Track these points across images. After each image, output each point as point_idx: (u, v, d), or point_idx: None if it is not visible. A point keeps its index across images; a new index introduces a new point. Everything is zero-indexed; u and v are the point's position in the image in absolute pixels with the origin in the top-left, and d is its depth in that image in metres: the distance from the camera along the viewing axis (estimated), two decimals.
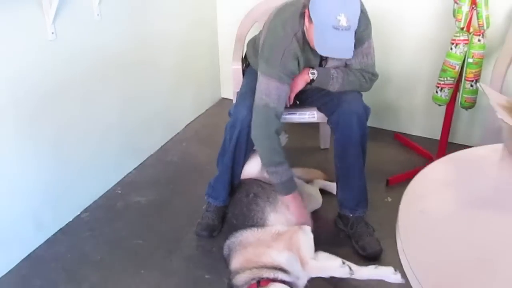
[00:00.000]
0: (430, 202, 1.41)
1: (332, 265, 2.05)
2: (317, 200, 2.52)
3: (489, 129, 2.51)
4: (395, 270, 2.02)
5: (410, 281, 1.16)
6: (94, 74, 2.54)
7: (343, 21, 1.86)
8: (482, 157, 1.67)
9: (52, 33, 2.23)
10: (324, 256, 2.10)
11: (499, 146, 1.66)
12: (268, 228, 2.17)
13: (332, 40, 1.90)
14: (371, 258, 2.27)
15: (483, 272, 1.16)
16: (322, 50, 1.96)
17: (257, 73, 2.19)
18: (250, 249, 2.06)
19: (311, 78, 2.19)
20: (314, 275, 2.07)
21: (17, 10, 2.07)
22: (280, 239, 2.08)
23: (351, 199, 2.33)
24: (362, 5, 2.05)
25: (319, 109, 2.43)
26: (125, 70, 2.75)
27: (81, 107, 2.50)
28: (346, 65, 2.25)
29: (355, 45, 1.95)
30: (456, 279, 1.15)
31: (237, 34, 2.72)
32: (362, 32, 2.09)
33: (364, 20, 2.06)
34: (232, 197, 2.40)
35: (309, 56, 2.15)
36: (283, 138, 2.53)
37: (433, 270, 1.17)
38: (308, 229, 2.15)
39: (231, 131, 2.25)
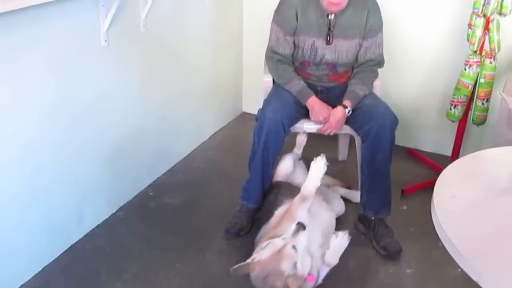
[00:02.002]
0: (459, 189, 1.63)
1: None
2: (342, 205, 2.69)
3: (497, 144, 2.71)
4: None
5: (448, 249, 1.35)
6: (136, 80, 2.76)
7: None
8: (500, 155, 1.92)
9: (105, 40, 2.44)
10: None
11: None
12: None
13: None
14: (392, 257, 2.46)
15: (506, 244, 1.39)
16: None
17: (279, 86, 2.61)
18: (266, 236, 2.19)
19: (348, 113, 2.54)
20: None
21: (77, 17, 2.29)
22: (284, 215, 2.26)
23: (376, 201, 2.52)
24: (376, 4, 2.56)
25: (345, 122, 2.60)
26: (163, 78, 2.97)
27: (122, 111, 2.70)
28: (357, 56, 2.62)
29: (369, 36, 2.55)
30: (485, 247, 1.38)
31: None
32: (376, 24, 2.56)
33: (377, 14, 2.56)
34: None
35: (311, 14, 2.52)
36: (303, 138, 2.82)
37: (466, 240, 1.38)
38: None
39: (259, 132, 2.46)
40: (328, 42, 2.55)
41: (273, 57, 2.62)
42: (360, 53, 2.61)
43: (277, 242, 1.99)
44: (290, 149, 2.84)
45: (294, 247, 1.96)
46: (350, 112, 2.53)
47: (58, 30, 2.21)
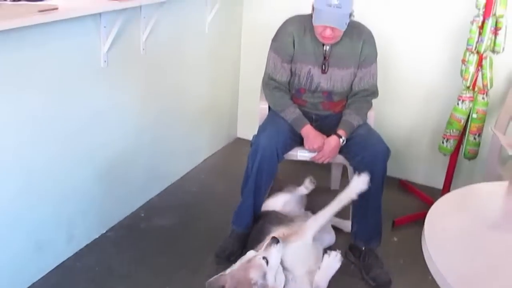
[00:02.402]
0: (450, 222, 1.66)
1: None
2: (332, 236, 2.68)
3: (488, 179, 2.74)
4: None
5: (438, 282, 1.37)
6: (133, 102, 2.78)
7: (335, 0, 2.35)
8: (490, 190, 1.95)
9: (105, 61, 2.47)
10: None
11: (505, 182, 1.93)
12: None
13: (326, 14, 2.40)
14: None
15: (496, 277, 1.41)
16: (318, 21, 2.44)
17: (275, 114, 2.63)
18: None
19: (342, 143, 2.56)
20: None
21: (79, 37, 2.33)
22: None
23: (367, 231, 2.53)
24: (371, 36, 2.62)
25: (339, 151, 2.62)
26: (159, 101, 2.99)
27: (116, 132, 2.72)
28: (352, 86, 2.66)
29: (363, 66, 2.59)
30: (475, 280, 1.40)
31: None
32: (370, 54, 2.61)
33: (371, 45, 2.62)
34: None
35: (307, 43, 2.57)
36: (309, 183, 2.78)
37: (456, 273, 1.39)
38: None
39: (253, 158, 2.48)
40: (323, 71, 2.59)
41: (270, 84, 2.65)
42: (354, 82, 2.65)
43: (249, 254, 2.05)
44: (283, 175, 2.86)
45: (265, 258, 1.99)
46: (344, 142, 2.56)
47: (59, 50, 2.25)
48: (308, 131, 2.58)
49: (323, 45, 2.55)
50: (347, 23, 2.44)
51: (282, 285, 2.03)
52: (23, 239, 2.30)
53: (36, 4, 1.99)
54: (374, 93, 2.70)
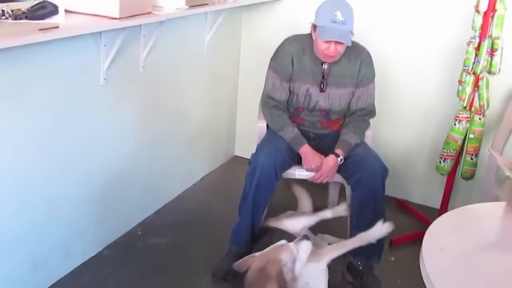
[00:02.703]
0: (447, 242, 1.66)
1: None
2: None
3: (485, 199, 2.75)
4: None
5: None
6: (131, 119, 2.79)
7: (339, 16, 2.38)
8: (487, 210, 1.96)
9: (104, 79, 2.49)
10: None
11: (502, 203, 1.94)
12: None
13: (331, 30, 2.41)
14: None
15: None
16: (325, 36, 2.44)
17: (273, 132, 2.65)
18: None
19: (340, 162, 2.57)
20: None
21: (79, 55, 2.35)
22: None
23: (366, 250, 2.51)
24: (369, 56, 2.66)
25: (337, 170, 2.62)
26: (157, 119, 3.00)
27: (114, 150, 2.72)
28: (349, 105, 2.68)
29: (361, 85, 2.62)
30: None
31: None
32: (368, 74, 2.64)
33: (369, 65, 2.65)
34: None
35: (306, 62, 2.59)
36: (343, 210, 2.64)
37: None
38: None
39: (251, 177, 2.48)
40: (321, 90, 2.61)
41: (268, 103, 2.67)
42: (352, 101, 2.67)
43: (281, 242, 2.14)
44: (281, 194, 2.86)
45: (296, 248, 2.07)
46: (342, 161, 2.57)
47: (59, 68, 2.26)
48: (306, 150, 2.59)
49: (322, 64, 2.58)
50: (350, 40, 2.47)
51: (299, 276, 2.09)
52: (19, 258, 2.28)
53: (37, 23, 2.00)
54: (371, 112, 2.72)
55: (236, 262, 2.14)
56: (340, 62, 2.58)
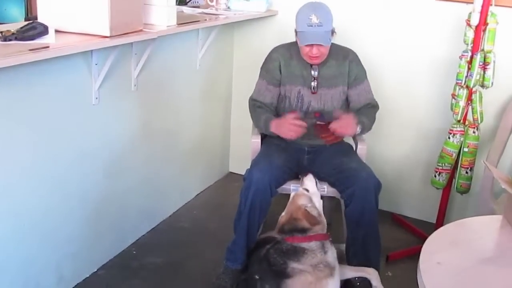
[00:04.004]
0: (444, 257, 1.65)
1: None
2: None
3: (481, 212, 2.74)
4: None
5: None
6: (123, 138, 2.77)
7: (314, 19, 2.47)
8: (483, 224, 1.95)
9: (96, 98, 2.47)
10: None
11: (499, 216, 1.93)
12: None
13: (309, 34, 2.50)
14: None
15: None
16: (304, 41, 2.52)
17: (268, 147, 2.68)
18: None
19: (358, 130, 2.59)
20: None
21: (70, 75, 2.34)
22: None
23: (366, 265, 2.50)
24: (356, 55, 2.73)
25: (331, 184, 2.64)
26: (149, 137, 2.98)
27: (107, 168, 2.70)
28: (348, 102, 2.73)
29: (356, 83, 2.68)
30: None
31: None
32: (360, 72, 2.70)
33: (359, 64, 2.71)
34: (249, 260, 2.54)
35: (294, 66, 2.66)
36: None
37: None
38: None
39: (246, 193, 2.46)
40: (313, 92, 2.65)
41: (254, 104, 2.73)
42: (353, 101, 2.71)
43: (292, 194, 2.46)
44: (276, 208, 2.84)
45: (305, 189, 2.42)
46: (359, 131, 2.58)
47: (50, 87, 2.25)
48: (277, 120, 2.58)
49: (311, 66, 2.62)
50: (331, 39, 2.55)
51: (321, 207, 2.41)
52: (10, 282, 2.25)
53: (27, 43, 1.99)
54: (375, 106, 2.76)
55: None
56: (328, 64, 2.64)
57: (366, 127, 2.64)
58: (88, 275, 2.68)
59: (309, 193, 2.40)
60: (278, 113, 2.75)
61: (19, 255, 2.26)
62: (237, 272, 2.58)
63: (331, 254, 2.30)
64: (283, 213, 2.40)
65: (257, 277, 2.32)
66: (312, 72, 2.64)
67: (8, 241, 2.20)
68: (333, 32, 2.55)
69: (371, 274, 2.47)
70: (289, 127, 2.51)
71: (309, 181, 2.45)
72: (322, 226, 2.34)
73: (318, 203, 2.40)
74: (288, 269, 2.22)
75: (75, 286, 2.59)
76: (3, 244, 2.17)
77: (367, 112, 2.69)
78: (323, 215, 2.39)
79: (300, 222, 2.30)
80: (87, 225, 2.62)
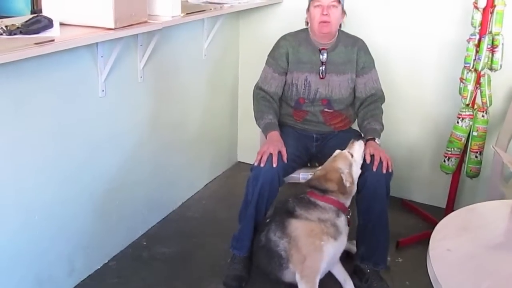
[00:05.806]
0: (454, 243, 1.64)
1: None
2: None
3: (491, 197, 2.72)
4: None
5: None
6: (131, 130, 2.78)
7: None
8: (494, 208, 1.94)
9: (103, 90, 2.48)
10: None
11: (509, 201, 1.91)
12: None
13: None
14: None
15: None
16: (317, 2, 2.54)
17: None
18: None
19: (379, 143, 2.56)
20: None
21: (76, 68, 2.34)
22: None
23: (374, 253, 2.51)
24: (365, 44, 2.72)
25: None
26: (157, 128, 2.99)
27: (116, 160, 2.71)
28: (355, 91, 2.71)
29: (364, 72, 2.67)
30: None
31: None
32: (368, 61, 2.69)
33: (367, 52, 2.71)
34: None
35: (302, 52, 2.65)
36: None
37: None
38: None
39: (254, 183, 2.45)
40: (321, 77, 2.63)
41: (258, 94, 2.71)
42: (359, 90, 2.69)
43: (336, 152, 2.43)
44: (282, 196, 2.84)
45: (350, 153, 2.39)
46: (380, 144, 2.55)
47: (57, 81, 2.25)
48: (272, 135, 2.56)
49: (320, 51, 2.62)
50: (342, 15, 2.60)
51: (357, 177, 2.40)
52: (22, 274, 2.27)
53: (32, 37, 1.99)
54: (381, 97, 2.73)
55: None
56: (336, 49, 2.65)
57: (381, 130, 2.63)
58: (99, 267, 2.70)
59: (352, 158, 2.38)
60: (285, 101, 2.74)
61: (31, 248, 2.28)
62: (246, 259, 2.59)
63: (342, 222, 2.34)
64: (319, 167, 2.44)
65: (268, 220, 2.46)
66: (321, 57, 2.63)
67: (20, 234, 2.22)
68: (344, 11, 2.57)
69: None
70: (274, 148, 2.45)
71: (359, 147, 2.42)
72: (347, 197, 2.37)
73: (356, 173, 2.38)
74: (296, 212, 2.33)
75: (87, 277, 2.62)
76: (15, 237, 2.19)
77: (373, 113, 2.64)
78: (355, 185, 2.39)
79: (330, 184, 2.32)
80: (97, 217, 2.63)
